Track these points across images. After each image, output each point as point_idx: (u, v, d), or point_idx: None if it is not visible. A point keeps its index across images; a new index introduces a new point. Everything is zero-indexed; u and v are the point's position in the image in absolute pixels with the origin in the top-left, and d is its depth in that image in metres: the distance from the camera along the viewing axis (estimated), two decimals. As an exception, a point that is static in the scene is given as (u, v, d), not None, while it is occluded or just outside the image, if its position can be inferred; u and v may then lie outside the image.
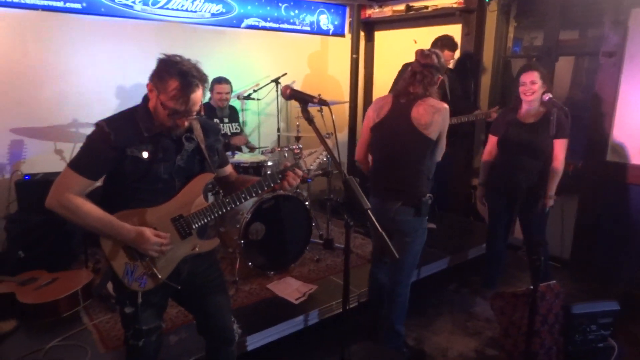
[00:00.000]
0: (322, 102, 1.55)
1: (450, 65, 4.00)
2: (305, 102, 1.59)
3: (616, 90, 3.61)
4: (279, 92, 4.62)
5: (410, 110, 2.39)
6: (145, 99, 1.71)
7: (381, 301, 2.87)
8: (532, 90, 2.92)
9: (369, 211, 1.39)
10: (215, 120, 3.95)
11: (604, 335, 2.54)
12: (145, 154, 1.66)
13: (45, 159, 3.70)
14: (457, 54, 4.54)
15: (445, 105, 2.40)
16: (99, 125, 1.65)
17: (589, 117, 3.79)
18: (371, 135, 2.60)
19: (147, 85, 1.65)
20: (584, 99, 4.10)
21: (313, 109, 1.71)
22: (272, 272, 3.32)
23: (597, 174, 3.75)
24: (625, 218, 3.64)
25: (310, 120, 1.55)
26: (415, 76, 2.40)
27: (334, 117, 1.53)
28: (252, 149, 4.25)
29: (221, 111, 4.05)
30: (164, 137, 1.70)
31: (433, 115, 2.36)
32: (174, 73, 1.57)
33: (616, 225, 3.70)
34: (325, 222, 3.97)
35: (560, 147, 2.94)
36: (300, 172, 1.79)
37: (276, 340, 2.71)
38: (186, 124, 1.68)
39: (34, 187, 3.31)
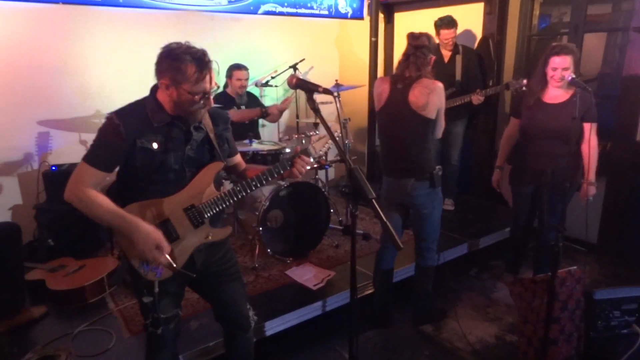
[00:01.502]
0: (327, 91, 1.54)
1: (450, 43, 3.97)
2: (311, 92, 1.58)
3: (647, 67, 3.44)
4: (298, 78, 4.60)
5: (407, 95, 2.53)
6: (153, 89, 1.73)
7: (386, 286, 2.96)
8: (563, 76, 2.71)
9: (373, 201, 1.38)
10: (234, 108, 3.96)
11: (629, 321, 2.46)
12: (155, 145, 1.68)
13: (70, 149, 3.80)
14: (480, 33, 4.44)
15: (439, 84, 2.53)
16: (109, 117, 1.68)
17: (618, 95, 3.63)
18: (377, 120, 2.79)
19: (162, 82, 1.66)
20: (615, 77, 3.92)
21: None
22: (290, 259, 3.36)
23: (626, 155, 3.61)
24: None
25: (316, 110, 1.54)
26: (409, 58, 2.55)
27: (340, 105, 1.50)
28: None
29: (240, 98, 4.06)
30: (173, 127, 1.72)
31: (429, 96, 2.50)
32: (187, 59, 1.60)
33: (646, 209, 3.57)
34: (345, 208, 3.97)
35: (590, 131, 2.81)
36: (307, 159, 1.78)
37: (295, 325, 2.75)
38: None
39: (61, 178, 3.36)
